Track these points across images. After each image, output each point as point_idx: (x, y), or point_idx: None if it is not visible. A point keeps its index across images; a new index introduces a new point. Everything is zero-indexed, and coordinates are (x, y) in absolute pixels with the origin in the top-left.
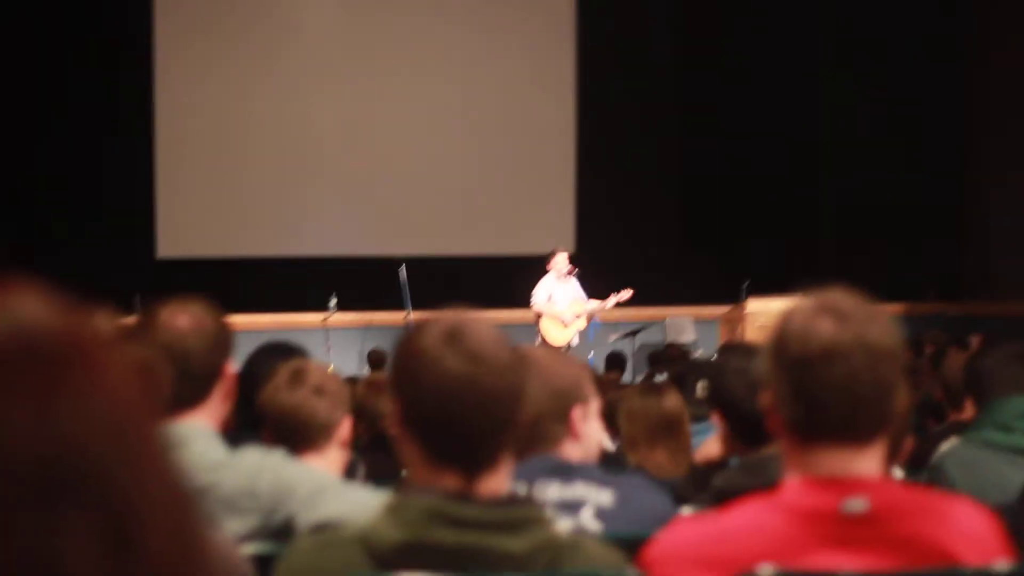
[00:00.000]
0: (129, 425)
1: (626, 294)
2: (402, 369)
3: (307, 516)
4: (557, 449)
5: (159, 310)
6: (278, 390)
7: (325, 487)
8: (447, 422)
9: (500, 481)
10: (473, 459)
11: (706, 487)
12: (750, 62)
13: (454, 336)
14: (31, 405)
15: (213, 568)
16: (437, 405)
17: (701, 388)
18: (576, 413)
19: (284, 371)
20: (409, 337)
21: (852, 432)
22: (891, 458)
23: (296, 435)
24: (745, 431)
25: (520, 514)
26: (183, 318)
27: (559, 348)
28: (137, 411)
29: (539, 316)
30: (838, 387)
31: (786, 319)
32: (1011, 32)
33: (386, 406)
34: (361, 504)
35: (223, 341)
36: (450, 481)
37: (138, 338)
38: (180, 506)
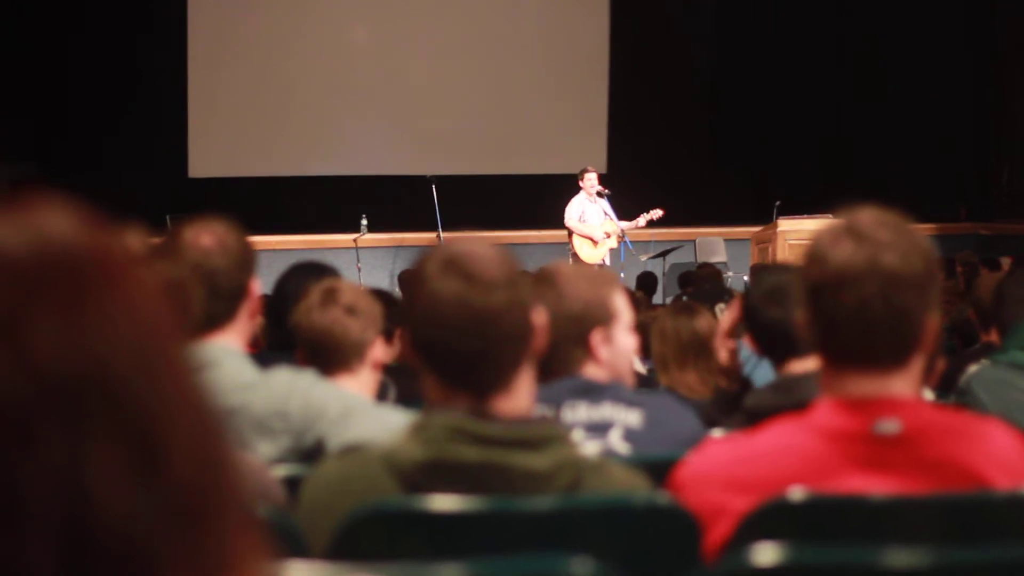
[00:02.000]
0: (155, 344)
1: (657, 213)
2: (407, 295)
3: (337, 437)
4: (580, 372)
5: (183, 230)
6: (310, 310)
7: (355, 408)
8: (447, 344)
9: (517, 402)
10: (480, 380)
11: (729, 410)
12: None
13: (451, 260)
14: (55, 320)
15: (240, 489)
16: (435, 328)
17: (719, 310)
18: (595, 337)
19: (316, 291)
20: (415, 264)
21: (872, 358)
22: (924, 380)
23: (328, 355)
24: (768, 344)
25: (542, 432)
26: (207, 237)
27: (591, 265)
28: (164, 330)
29: (571, 234)
30: (851, 313)
31: (814, 241)
32: None
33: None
34: (391, 425)
35: (247, 259)
36: (463, 402)
37: (165, 257)
38: (207, 427)
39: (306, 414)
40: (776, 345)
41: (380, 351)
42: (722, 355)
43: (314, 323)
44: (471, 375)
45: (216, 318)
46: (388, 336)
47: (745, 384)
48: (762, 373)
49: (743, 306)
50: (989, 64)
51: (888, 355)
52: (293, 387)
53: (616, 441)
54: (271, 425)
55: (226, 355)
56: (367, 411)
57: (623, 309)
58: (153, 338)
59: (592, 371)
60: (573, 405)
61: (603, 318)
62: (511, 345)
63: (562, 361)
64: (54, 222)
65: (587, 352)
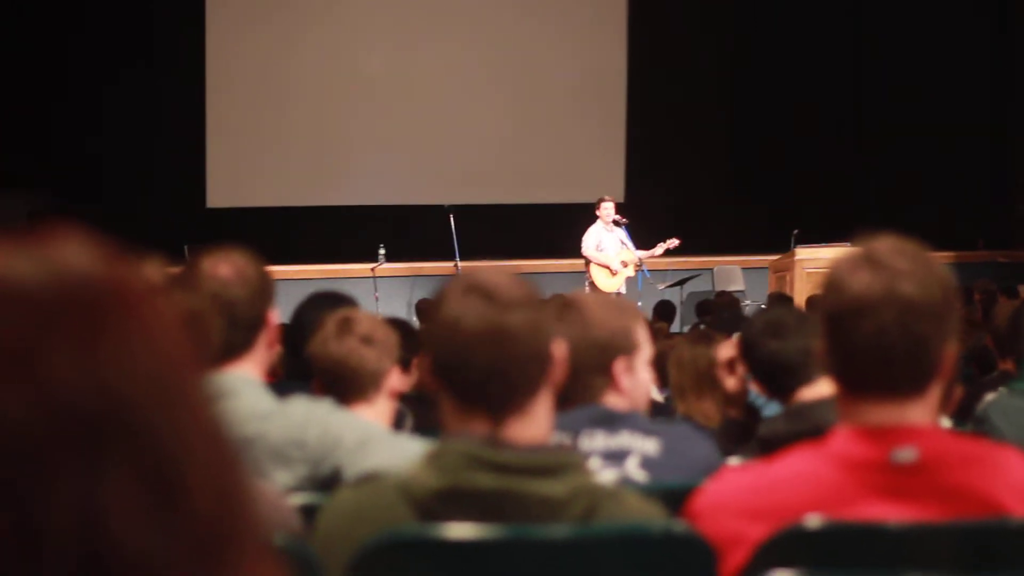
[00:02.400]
0: (173, 376)
1: (673, 242)
2: (427, 321)
3: (354, 466)
4: (600, 401)
5: (201, 260)
6: (327, 340)
7: (372, 437)
8: (466, 360)
9: (534, 428)
10: (498, 399)
11: (738, 439)
12: (799, 16)
13: (473, 284)
14: (72, 353)
15: (258, 521)
16: (453, 348)
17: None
18: (618, 366)
19: (332, 321)
20: (436, 292)
21: (890, 386)
22: (941, 407)
23: (345, 385)
24: (770, 377)
25: (558, 459)
26: (225, 267)
27: (610, 294)
28: (181, 361)
29: (588, 263)
30: (869, 342)
31: (832, 269)
32: None
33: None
34: (408, 454)
35: (265, 289)
36: (479, 427)
37: (184, 287)
38: (224, 459)
39: (323, 443)
40: (779, 377)
41: (396, 380)
42: (729, 384)
43: (330, 353)
44: (488, 393)
45: (234, 348)
46: (405, 365)
47: (752, 413)
48: (773, 406)
49: (742, 344)
50: (1008, 93)
51: (906, 383)
52: (310, 416)
53: (633, 469)
54: (288, 454)
55: (244, 385)
56: (384, 440)
57: (645, 340)
58: (171, 370)
59: (612, 400)
60: (591, 433)
61: (627, 348)
62: (529, 365)
63: (584, 388)
64: (71, 254)
65: (609, 381)
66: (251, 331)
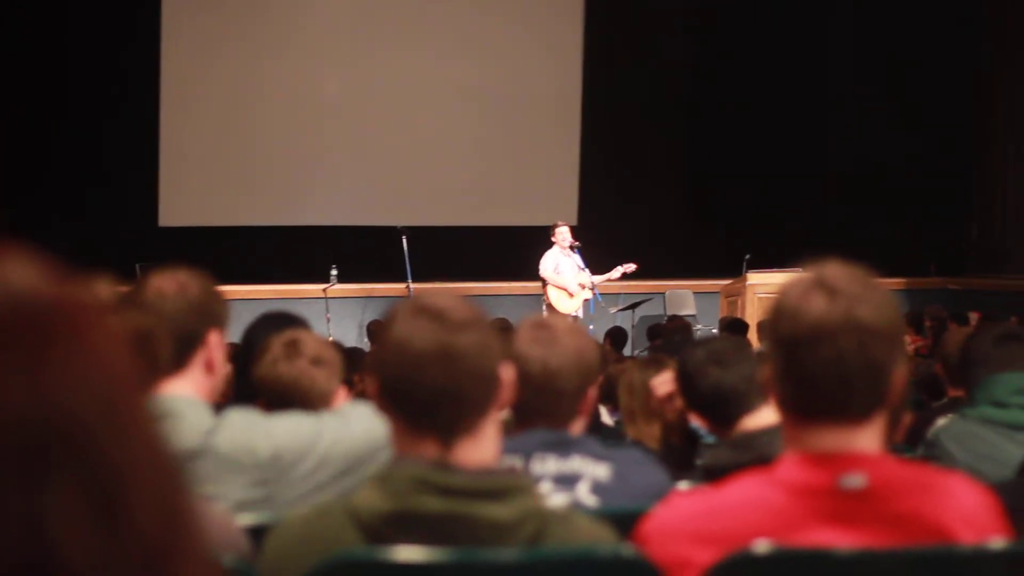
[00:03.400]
0: (118, 393)
1: (631, 267)
2: (376, 342)
3: (333, 432)
4: (570, 425)
5: (150, 277)
6: (276, 362)
7: (324, 418)
8: (416, 381)
9: (482, 450)
10: (446, 423)
11: (679, 465)
12: (756, 35)
13: (420, 307)
14: (19, 371)
15: (202, 538)
16: (403, 369)
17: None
18: (592, 391)
19: (278, 343)
20: (385, 315)
21: (844, 412)
22: (890, 434)
23: (296, 406)
24: (711, 409)
25: (506, 482)
26: (169, 282)
27: (566, 317)
28: (127, 380)
29: (545, 285)
30: (827, 368)
31: (782, 295)
32: None
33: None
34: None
35: (206, 308)
36: (428, 449)
37: (131, 307)
38: (168, 476)
39: (275, 444)
40: (722, 407)
41: (342, 399)
42: (669, 412)
43: (281, 375)
44: (437, 415)
45: (167, 365)
46: (348, 385)
47: (692, 439)
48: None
49: (681, 375)
50: (962, 120)
51: (861, 408)
52: (253, 421)
53: (584, 494)
54: (240, 460)
55: (184, 405)
56: (338, 416)
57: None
58: (117, 388)
59: (579, 425)
60: (543, 457)
61: (596, 374)
62: (478, 386)
63: (564, 412)
64: (18, 273)
65: (582, 405)
66: (183, 346)
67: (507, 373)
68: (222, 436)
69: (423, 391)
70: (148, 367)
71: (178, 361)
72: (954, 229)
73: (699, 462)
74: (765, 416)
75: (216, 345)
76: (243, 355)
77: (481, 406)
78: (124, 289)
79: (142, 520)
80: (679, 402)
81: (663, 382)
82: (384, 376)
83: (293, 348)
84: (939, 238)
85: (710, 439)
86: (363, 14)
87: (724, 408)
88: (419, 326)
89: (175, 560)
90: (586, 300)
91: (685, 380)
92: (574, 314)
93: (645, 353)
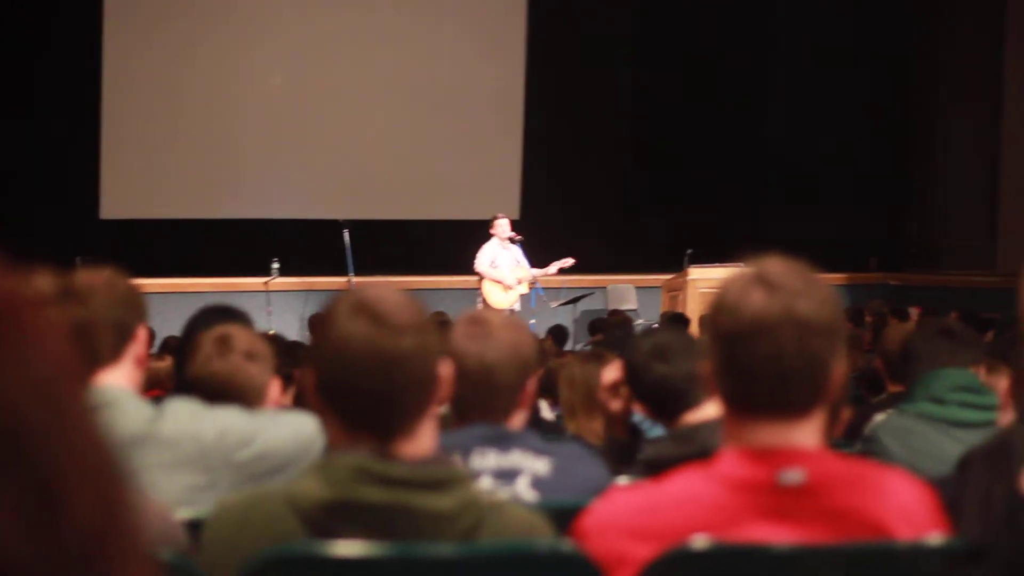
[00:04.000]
0: (58, 388)
1: (568, 261)
2: (315, 336)
3: (265, 434)
4: (509, 419)
5: (78, 273)
6: (209, 359)
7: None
8: (353, 385)
9: (418, 446)
10: (384, 423)
11: (621, 459)
12: (696, 31)
13: (361, 304)
14: None
15: (141, 533)
16: (342, 371)
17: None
18: (531, 384)
19: (209, 339)
20: (325, 307)
21: (784, 406)
22: (829, 429)
23: (232, 401)
24: (657, 402)
25: (446, 473)
26: (97, 278)
27: (502, 311)
28: (67, 373)
29: (481, 279)
30: (766, 362)
31: (722, 290)
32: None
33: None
34: (295, 424)
35: (135, 303)
36: (366, 446)
37: (70, 300)
38: (107, 470)
39: (220, 428)
40: (666, 401)
41: (276, 392)
42: (613, 406)
43: (215, 372)
44: (375, 417)
45: (103, 359)
46: (287, 380)
47: (636, 434)
48: (658, 428)
49: (626, 367)
50: (902, 116)
51: (800, 402)
52: (195, 410)
53: (524, 489)
54: (184, 445)
55: (120, 397)
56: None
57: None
58: (57, 383)
59: (519, 418)
60: (483, 452)
61: (534, 367)
62: (416, 389)
63: (503, 407)
64: None
65: (522, 399)
66: (120, 341)
67: (445, 369)
68: (166, 422)
69: (360, 395)
70: (87, 360)
71: (114, 353)
72: (894, 225)
73: (641, 456)
74: (708, 410)
75: (143, 340)
76: (184, 348)
77: (419, 408)
78: (57, 282)
79: (80, 514)
80: (625, 392)
81: (611, 371)
82: (321, 376)
83: (225, 344)
84: (879, 234)
85: (653, 433)
86: (308, 7)
87: (668, 402)
88: (357, 330)
89: (114, 554)
90: (523, 295)
91: (632, 373)
92: (510, 308)
93: (588, 348)
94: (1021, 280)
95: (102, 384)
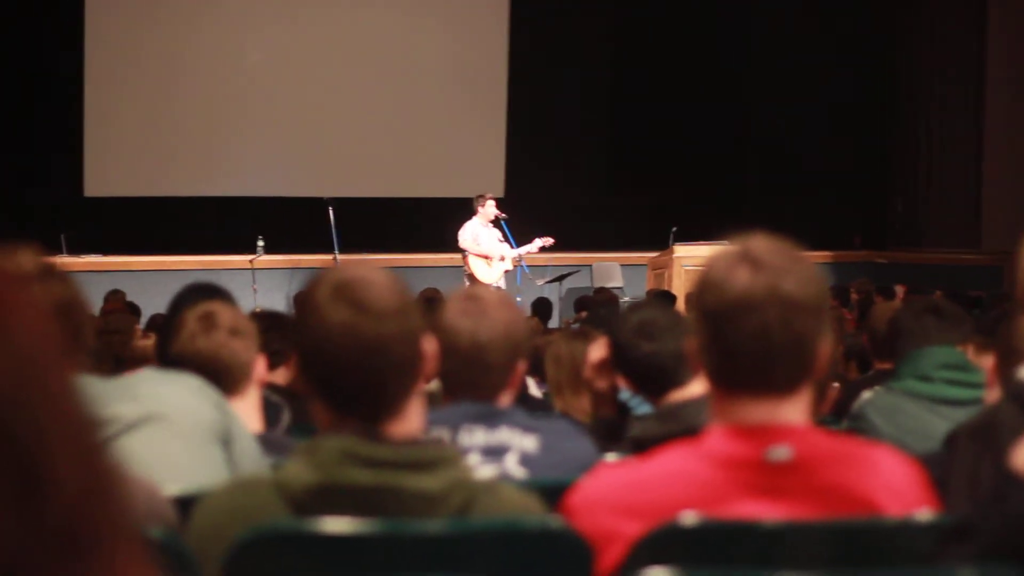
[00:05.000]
0: (40, 363)
1: (548, 240)
2: (297, 320)
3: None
4: (498, 398)
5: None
6: (194, 336)
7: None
8: (337, 371)
9: (407, 426)
10: (370, 406)
11: (609, 437)
12: (681, 13)
13: (342, 287)
14: None
15: (128, 513)
16: (326, 354)
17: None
18: (521, 365)
19: (193, 317)
20: (305, 288)
21: (770, 383)
22: (816, 406)
23: (219, 380)
24: (643, 379)
25: (434, 453)
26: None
27: (499, 289)
28: (49, 349)
29: (465, 256)
30: (752, 339)
31: (707, 268)
32: None
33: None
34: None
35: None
36: (353, 428)
37: (51, 277)
38: (91, 451)
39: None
40: (653, 379)
41: (262, 369)
42: (599, 383)
43: (200, 350)
44: (361, 403)
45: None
46: (283, 359)
47: (623, 411)
48: (645, 405)
49: (612, 345)
50: (885, 94)
51: (784, 381)
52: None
53: (512, 466)
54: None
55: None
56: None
57: None
58: (38, 360)
59: (507, 397)
60: (470, 429)
61: (525, 347)
62: (401, 373)
63: (493, 385)
64: None
65: (512, 378)
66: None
67: (430, 346)
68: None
69: (345, 381)
70: (72, 339)
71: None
72: (879, 203)
73: (628, 434)
74: (694, 388)
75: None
76: (168, 326)
77: (405, 388)
78: (42, 261)
79: (66, 491)
80: (610, 370)
81: (597, 349)
82: (305, 362)
83: (209, 321)
84: (864, 212)
85: (640, 411)
86: None
87: (654, 380)
88: (339, 317)
89: (101, 536)
90: (508, 271)
91: (618, 350)
92: (496, 285)
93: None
94: (1018, 258)
95: None
